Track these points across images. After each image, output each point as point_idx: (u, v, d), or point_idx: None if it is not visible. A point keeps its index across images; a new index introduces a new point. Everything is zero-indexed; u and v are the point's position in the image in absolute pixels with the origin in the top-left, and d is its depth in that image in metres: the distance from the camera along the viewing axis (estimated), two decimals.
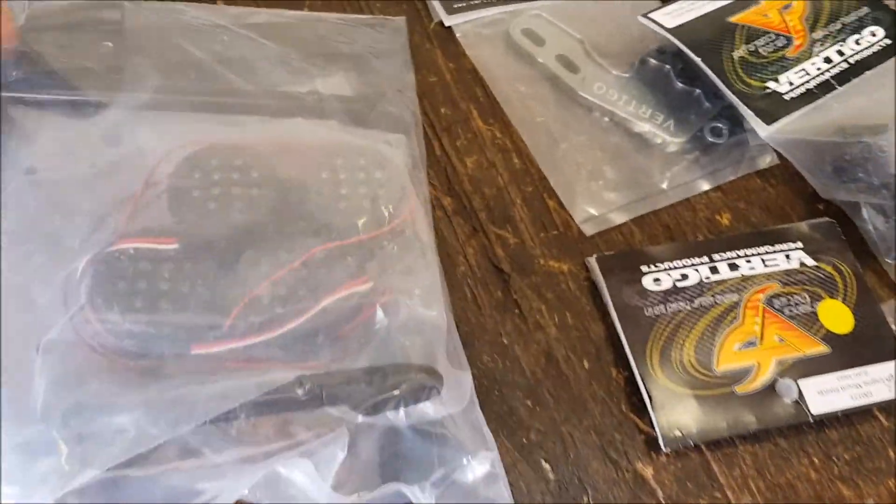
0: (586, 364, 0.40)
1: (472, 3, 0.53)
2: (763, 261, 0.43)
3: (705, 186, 0.47)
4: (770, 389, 0.39)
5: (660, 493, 0.37)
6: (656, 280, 0.42)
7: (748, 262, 0.43)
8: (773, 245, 0.44)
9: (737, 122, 0.48)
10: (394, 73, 0.49)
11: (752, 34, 0.49)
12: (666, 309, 0.41)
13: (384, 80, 0.48)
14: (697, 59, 0.47)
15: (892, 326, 0.42)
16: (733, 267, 0.43)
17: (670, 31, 0.48)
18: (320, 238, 0.33)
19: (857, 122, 0.45)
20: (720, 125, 0.48)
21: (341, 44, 0.50)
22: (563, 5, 0.53)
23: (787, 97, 0.47)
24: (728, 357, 0.40)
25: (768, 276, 0.43)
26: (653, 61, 0.50)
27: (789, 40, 0.49)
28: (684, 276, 0.42)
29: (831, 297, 0.42)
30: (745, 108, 0.45)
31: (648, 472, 0.37)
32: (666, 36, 0.48)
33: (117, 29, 0.39)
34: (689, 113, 0.49)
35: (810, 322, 0.41)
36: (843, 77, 0.48)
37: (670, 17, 0.49)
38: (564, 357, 0.40)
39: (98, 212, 0.33)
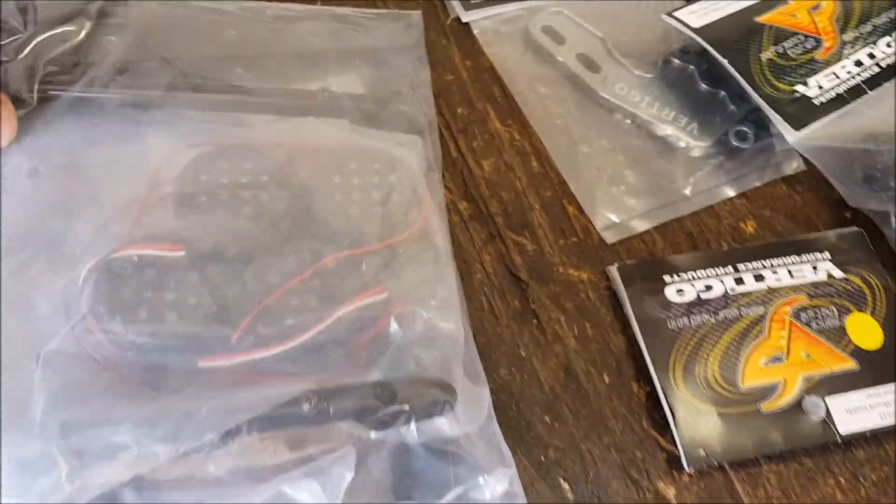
0: (606, 378, 0.39)
1: None
2: (790, 272, 0.42)
3: (730, 193, 0.45)
4: (797, 407, 0.38)
5: None
6: (679, 291, 0.40)
7: (774, 273, 0.42)
8: (799, 255, 0.42)
9: (762, 126, 0.46)
10: (408, 70, 0.47)
11: (780, 35, 0.47)
12: (689, 321, 0.40)
13: (398, 78, 0.46)
14: (724, 61, 0.45)
15: None
16: (759, 278, 0.41)
17: (696, 31, 0.46)
18: (332, 246, 0.32)
19: (888, 128, 0.44)
20: (745, 129, 0.47)
21: (354, 39, 0.48)
22: (584, 2, 0.51)
23: (816, 101, 0.45)
24: (753, 373, 0.38)
25: (795, 289, 0.41)
26: (676, 61, 0.48)
27: (819, 42, 0.47)
28: (708, 287, 0.41)
29: (860, 311, 0.41)
30: (774, 112, 0.44)
31: (671, 492, 0.36)
32: (691, 36, 0.46)
33: (121, 23, 0.38)
34: (714, 116, 0.47)
35: (838, 337, 0.40)
36: (875, 81, 0.46)
37: (695, 17, 0.47)
38: (584, 371, 0.39)
39: (101, 215, 0.31)
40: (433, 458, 0.31)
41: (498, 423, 0.34)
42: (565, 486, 0.36)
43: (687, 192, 0.45)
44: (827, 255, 0.42)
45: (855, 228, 0.44)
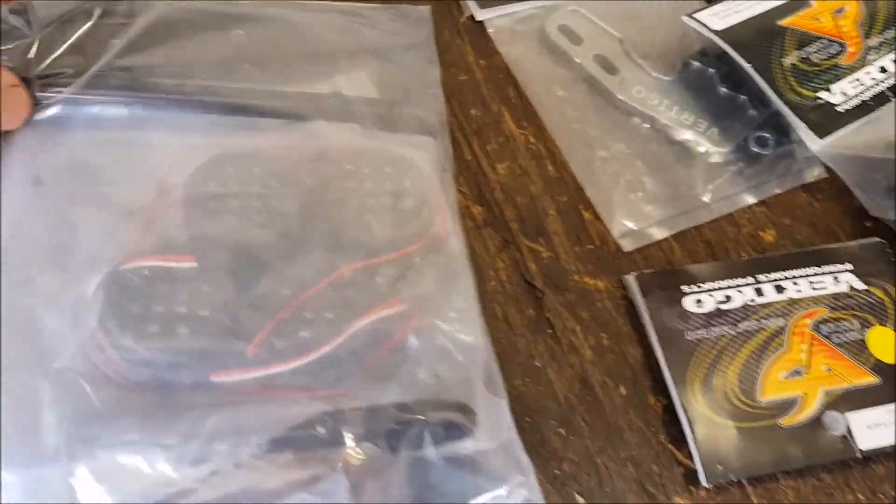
0: (623, 390, 0.38)
1: None
2: (811, 283, 0.41)
3: (750, 200, 0.44)
4: (816, 422, 0.37)
5: None
6: (698, 301, 0.40)
7: (795, 284, 0.41)
8: (821, 266, 0.41)
9: (783, 132, 0.45)
10: (418, 69, 0.46)
11: (803, 39, 0.46)
12: (708, 333, 0.39)
13: (408, 77, 0.45)
14: (747, 66, 0.44)
15: None
16: (779, 289, 0.40)
17: (717, 34, 0.45)
18: (347, 256, 0.31)
19: None
20: (766, 135, 0.46)
21: (362, 35, 0.47)
22: (602, 1, 0.50)
23: (840, 109, 0.44)
24: (773, 387, 0.38)
25: (816, 300, 0.40)
26: (696, 64, 0.47)
27: (843, 47, 0.46)
28: (728, 298, 0.40)
29: (881, 324, 0.40)
30: (797, 119, 0.43)
31: None
32: (713, 39, 0.45)
33: (126, 24, 0.36)
34: (734, 121, 0.46)
35: (859, 350, 0.39)
36: None
37: (716, 19, 0.46)
38: (600, 382, 0.38)
39: (107, 224, 0.30)
40: (452, 469, 0.30)
41: None
42: (580, 500, 0.35)
43: (706, 199, 0.44)
44: (849, 265, 0.42)
45: (877, 239, 0.43)
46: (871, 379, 0.38)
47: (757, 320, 0.39)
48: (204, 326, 0.28)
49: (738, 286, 0.40)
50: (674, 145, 0.45)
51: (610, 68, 0.47)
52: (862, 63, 0.46)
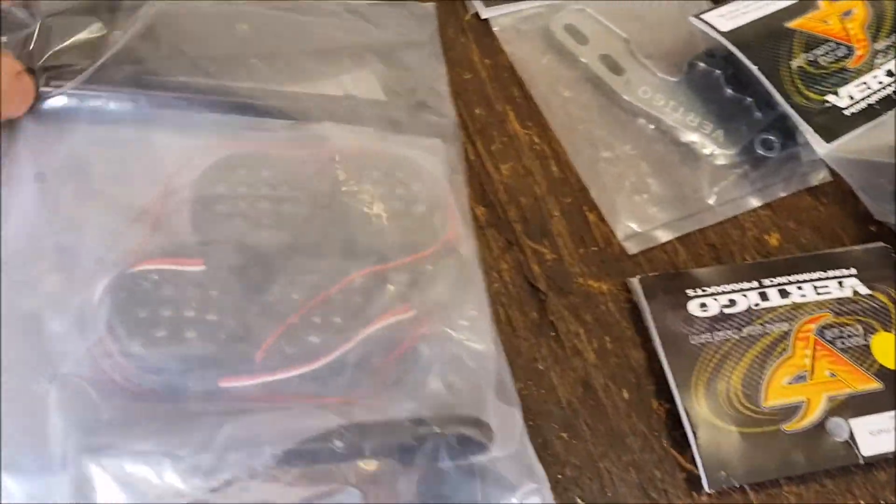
0: (626, 394, 0.38)
1: None
2: (815, 288, 0.41)
3: (755, 203, 0.44)
4: (820, 428, 0.37)
5: None
6: (703, 305, 0.39)
7: (800, 288, 0.40)
8: (825, 271, 0.41)
9: (789, 135, 0.45)
10: (424, 68, 0.45)
11: (811, 42, 0.46)
12: (713, 337, 0.39)
13: (415, 76, 0.44)
14: (754, 68, 0.43)
15: None
16: (784, 294, 0.40)
17: (724, 35, 0.45)
18: (357, 261, 0.30)
19: None
20: (772, 137, 0.45)
21: (367, 33, 0.46)
22: (608, 0, 0.50)
23: (846, 112, 0.44)
24: (777, 392, 0.37)
25: (820, 305, 0.40)
26: (702, 65, 0.47)
27: (850, 50, 0.46)
28: (732, 302, 0.40)
29: (885, 330, 0.40)
30: (804, 123, 0.42)
31: None
32: (720, 40, 0.45)
33: (131, 18, 0.36)
34: (740, 123, 0.46)
35: (863, 356, 0.39)
36: None
37: (724, 20, 0.46)
38: (603, 386, 0.38)
39: (113, 225, 0.30)
40: (464, 477, 0.29)
41: None
42: None
43: (711, 201, 0.43)
44: (853, 270, 0.41)
45: (881, 244, 0.43)
46: (874, 385, 0.38)
47: (761, 325, 0.39)
48: (212, 331, 0.28)
49: (743, 290, 0.40)
50: (679, 147, 0.45)
51: (616, 68, 0.47)
52: (869, 67, 0.45)
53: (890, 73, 0.45)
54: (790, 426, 0.37)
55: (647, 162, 0.44)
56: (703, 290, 0.40)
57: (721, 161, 0.45)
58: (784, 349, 0.39)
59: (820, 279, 0.41)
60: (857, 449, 0.37)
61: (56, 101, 0.33)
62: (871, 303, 0.40)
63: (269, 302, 0.29)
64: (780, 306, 0.40)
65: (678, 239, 0.42)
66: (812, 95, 0.44)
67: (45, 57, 0.34)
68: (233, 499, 0.26)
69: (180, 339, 0.27)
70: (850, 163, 0.43)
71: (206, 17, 0.39)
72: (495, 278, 0.40)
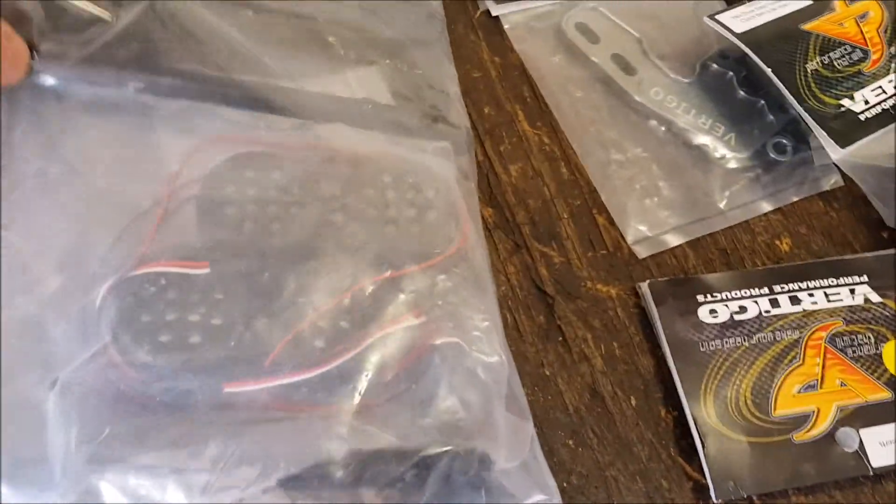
0: (633, 401, 0.37)
1: None
2: (826, 295, 0.40)
3: (766, 208, 0.43)
4: (829, 438, 0.36)
5: None
6: (713, 312, 0.39)
7: (811, 295, 0.40)
8: (837, 278, 0.41)
9: (801, 139, 0.44)
10: (434, 67, 0.45)
11: (826, 45, 0.45)
12: (722, 344, 0.38)
13: (424, 77, 0.44)
14: (768, 70, 0.43)
15: None
16: (795, 301, 0.40)
17: (739, 37, 0.44)
18: (368, 268, 0.29)
19: None
20: (784, 141, 0.45)
21: (374, 28, 0.45)
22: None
23: (861, 117, 0.43)
24: (787, 401, 0.37)
25: (831, 313, 0.40)
26: (715, 66, 0.46)
27: (866, 54, 0.45)
28: (743, 309, 0.39)
29: None
30: (819, 127, 0.42)
31: None
32: (735, 42, 0.44)
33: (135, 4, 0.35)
34: (752, 126, 0.45)
35: (874, 365, 0.38)
36: None
37: (738, 21, 0.45)
38: (611, 393, 0.37)
39: (116, 224, 0.29)
40: (470, 489, 0.29)
41: None
42: None
43: (722, 206, 0.43)
44: (865, 278, 0.41)
45: (893, 251, 0.42)
46: (885, 394, 0.38)
47: (771, 332, 0.39)
48: (217, 336, 0.27)
49: (754, 296, 0.40)
50: (691, 149, 0.44)
51: (628, 68, 0.46)
52: (885, 71, 0.45)
53: None
54: (800, 436, 0.36)
55: (658, 164, 0.44)
56: (714, 296, 0.39)
57: (733, 164, 0.44)
58: (794, 357, 0.38)
59: (831, 286, 0.40)
60: (867, 460, 0.36)
61: (54, 80, 0.32)
62: (882, 311, 0.40)
63: (277, 308, 0.28)
64: (791, 313, 0.39)
65: (688, 243, 0.42)
66: (827, 99, 0.43)
67: (44, 32, 0.33)
68: None
69: (185, 343, 0.27)
70: (865, 168, 0.42)
71: (212, 6, 0.38)
72: (502, 281, 0.40)
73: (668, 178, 0.43)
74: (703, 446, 0.35)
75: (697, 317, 0.39)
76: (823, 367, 0.38)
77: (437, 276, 0.30)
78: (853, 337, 0.39)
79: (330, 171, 0.32)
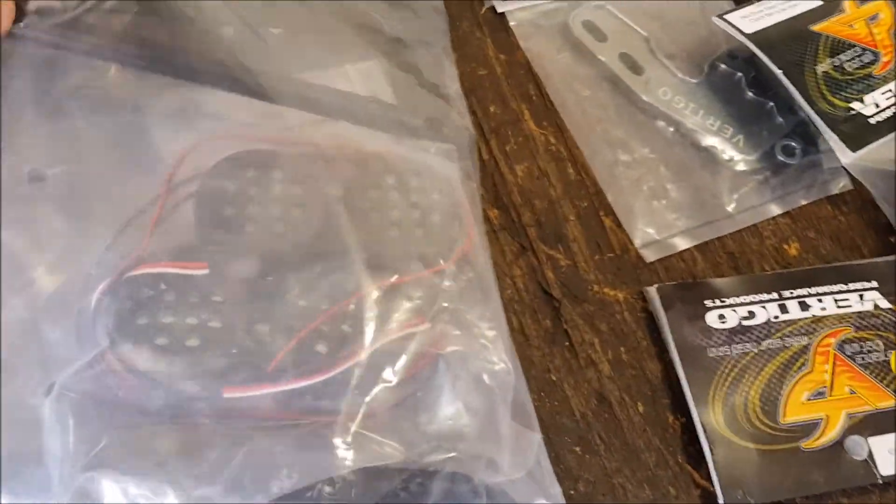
0: (641, 408, 0.37)
1: None
2: (836, 301, 0.40)
3: (775, 211, 0.43)
4: (838, 446, 0.36)
5: None
6: (721, 317, 0.38)
7: (820, 301, 0.39)
8: (846, 283, 0.40)
9: (810, 141, 0.44)
10: (436, 64, 0.44)
11: (836, 47, 0.44)
12: (731, 350, 0.37)
13: (426, 74, 0.43)
14: (778, 72, 0.42)
15: None
16: (804, 306, 0.39)
17: (748, 37, 0.43)
18: (372, 272, 0.29)
19: None
20: (793, 143, 0.44)
21: (374, 22, 0.45)
22: None
23: (872, 121, 0.42)
24: (795, 408, 0.36)
25: (841, 319, 0.39)
26: (723, 67, 0.46)
27: (877, 56, 0.44)
28: (751, 314, 0.39)
29: None
30: (829, 130, 0.41)
31: None
32: (744, 42, 0.43)
33: None
34: (761, 128, 0.44)
35: (883, 372, 0.38)
36: None
37: (748, 21, 0.44)
38: (618, 399, 0.37)
39: (112, 222, 0.28)
40: (472, 495, 0.28)
41: None
42: None
43: (730, 209, 0.42)
44: (874, 283, 0.40)
45: None
46: (894, 402, 0.37)
47: (780, 338, 0.38)
48: (217, 339, 0.27)
49: (762, 302, 0.39)
50: (699, 151, 0.44)
51: (635, 68, 0.46)
52: (895, 74, 0.44)
53: None
54: (808, 444, 0.36)
55: (666, 166, 0.43)
56: (722, 301, 0.39)
57: (741, 167, 0.44)
58: (803, 364, 0.37)
59: (840, 292, 0.40)
60: (876, 468, 0.36)
61: (44, 49, 0.31)
62: (892, 317, 0.39)
63: (279, 311, 0.27)
64: (801, 319, 0.39)
65: (696, 247, 0.41)
66: (837, 102, 0.42)
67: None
68: None
69: (183, 347, 0.26)
70: (874, 172, 0.42)
71: None
72: (508, 284, 0.39)
73: (676, 179, 0.43)
74: (712, 453, 0.35)
75: (706, 322, 0.38)
76: (833, 374, 0.37)
77: (441, 281, 0.29)
78: (862, 343, 0.39)
79: (333, 171, 0.31)
